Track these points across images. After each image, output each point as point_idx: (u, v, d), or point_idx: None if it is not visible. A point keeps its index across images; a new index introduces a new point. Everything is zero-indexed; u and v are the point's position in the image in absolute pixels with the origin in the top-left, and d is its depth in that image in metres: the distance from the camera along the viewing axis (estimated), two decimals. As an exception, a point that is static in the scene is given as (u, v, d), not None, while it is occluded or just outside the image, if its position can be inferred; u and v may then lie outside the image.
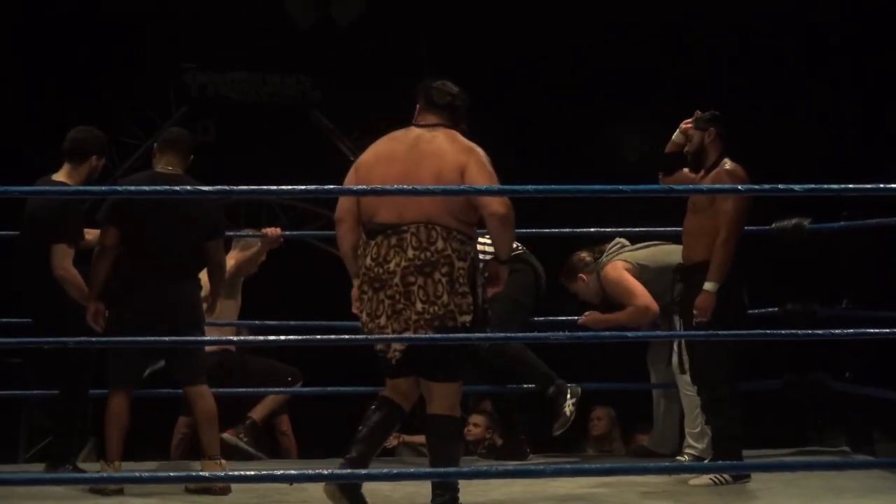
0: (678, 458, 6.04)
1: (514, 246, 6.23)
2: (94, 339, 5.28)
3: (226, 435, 6.47)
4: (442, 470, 4.64)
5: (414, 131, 4.82)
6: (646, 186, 4.98)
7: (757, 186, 4.51)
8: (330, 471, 4.74)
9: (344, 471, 4.68)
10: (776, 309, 6.42)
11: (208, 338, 6.46)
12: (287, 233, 6.97)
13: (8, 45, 10.05)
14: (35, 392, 6.23)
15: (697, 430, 5.93)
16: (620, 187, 4.59)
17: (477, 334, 4.70)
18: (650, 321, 6.14)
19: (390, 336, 4.68)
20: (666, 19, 10.35)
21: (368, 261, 4.70)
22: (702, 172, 5.64)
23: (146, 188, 5.13)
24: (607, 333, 5.82)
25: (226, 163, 10.14)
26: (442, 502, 4.64)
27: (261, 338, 6.61)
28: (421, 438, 7.03)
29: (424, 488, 4.80)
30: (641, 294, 6.12)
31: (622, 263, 6.23)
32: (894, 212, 5.81)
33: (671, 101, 6.47)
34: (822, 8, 9.85)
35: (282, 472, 4.42)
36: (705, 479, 5.46)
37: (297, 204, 10.78)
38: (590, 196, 5.96)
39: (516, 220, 4.82)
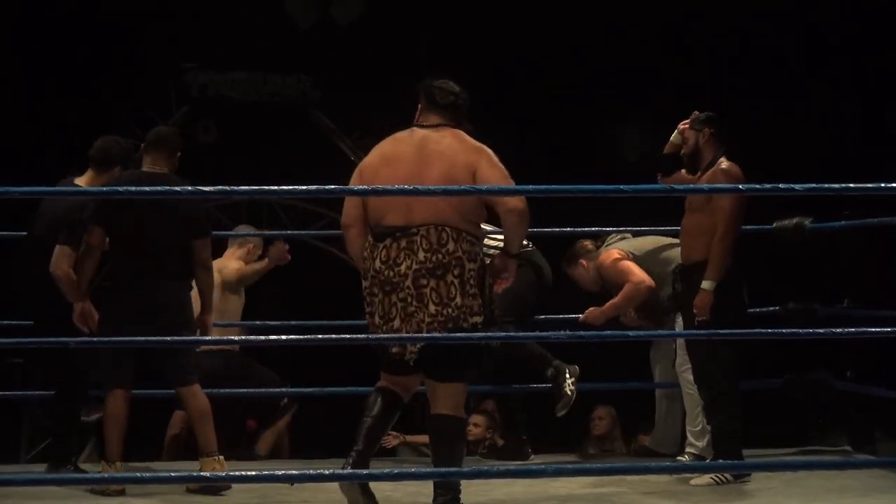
0: (679, 457, 6.04)
1: (524, 243, 6.26)
2: (95, 339, 5.28)
3: None
4: (443, 470, 4.63)
5: (419, 132, 4.80)
6: (646, 186, 4.98)
7: (758, 186, 4.51)
8: (331, 471, 4.73)
9: (345, 471, 4.68)
10: (777, 308, 6.42)
11: (208, 338, 6.48)
12: (288, 232, 6.96)
13: (8, 45, 10.05)
14: (36, 392, 6.22)
15: (698, 428, 5.94)
16: (621, 187, 4.60)
17: (480, 334, 4.69)
18: (646, 297, 6.17)
19: (390, 336, 4.67)
20: (666, 19, 10.36)
21: (378, 263, 4.69)
22: (699, 173, 5.65)
23: (146, 189, 5.12)
24: (609, 333, 5.82)
25: (226, 162, 10.16)
26: (444, 502, 4.63)
27: (261, 338, 6.60)
28: (422, 438, 7.04)
29: (426, 488, 4.79)
30: (636, 272, 6.16)
31: (616, 252, 6.27)
32: (895, 211, 5.81)
33: (671, 101, 6.47)
34: (822, 8, 9.86)
35: (283, 472, 4.42)
36: (706, 478, 5.46)
37: (298, 204, 10.79)
38: (590, 196, 5.96)
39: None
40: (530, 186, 4.58)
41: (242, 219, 10.67)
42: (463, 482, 4.70)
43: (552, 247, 6.48)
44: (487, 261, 4.83)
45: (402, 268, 4.64)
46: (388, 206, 4.69)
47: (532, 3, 10.52)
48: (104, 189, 5.26)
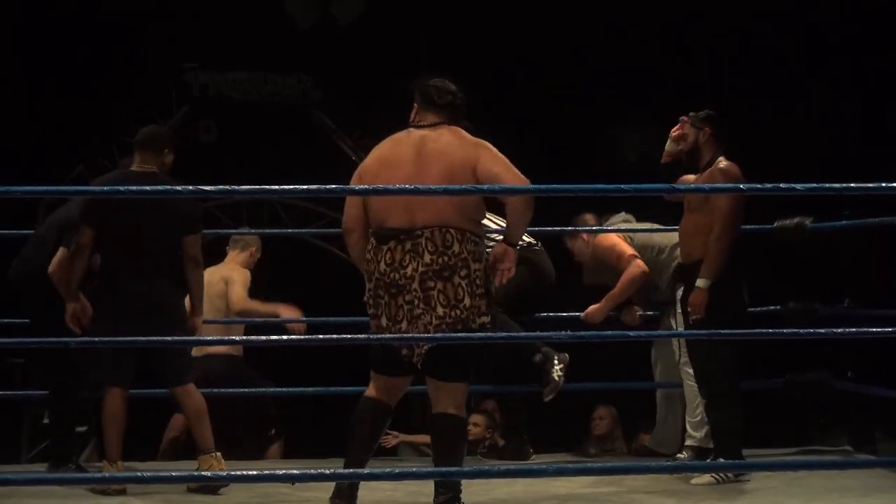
0: (679, 454, 6.05)
1: (532, 242, 6.26)
2: (96, 339, 5.28)
3: None
4: (444, 469, 4.63)
5: (416, 133, 4.78)
6: (646, 186, 4.98)
7: (759, 185, 4.51)
8: (331, 470, 4.73)
9: (346, 470, 4.68)
10: (778, 308, 6.43)
11: (209, 338, 6.48)
12: (288, 231, 6.96)
13: (8, 45, 10.05)
14: (36, 392, 6.23)
15: (697, 419, 5.95)
16: (621, 186, 4.60)
17: (481, 334, 4.69)
18: (642, 283, 6.19)
19: (390, 336, 4.67)
20: (666, 19, 10.36)
21: (383, 266, 4.68)
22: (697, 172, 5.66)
23: (147, 188, 5.11)
24: (609, 333, 5.82)
25: (227, 162, 10.16)
26: (444, 501, 4.63)
27: (262, 337, 6.60)
28: (422, 438, 7.04)
29: (427, 487, 4.79)
30: (630, 256, 6.18)
31: (616, 234, 6.29)
32: (895, 211, 5.81)
33: (671, 101, 6.46)
34: (822, 8, 9.86)
35: (284, 471, 4.42)
36: (707, 477, 5.47)
37: (299, 203, 10.79)
38: (590, 196, 5.96)
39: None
40: (531, 185, 4.59)
41: (243, 218, 10.70)
42: (464, 482, 4.71)
43: (552, 247, 6.48)
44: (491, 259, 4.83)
45: (409, 270, 4.64)
46: (390, 208, 4.69)
47: (532, 3, 10.52)
48: (105, 189, 5.25)
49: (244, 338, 6.60)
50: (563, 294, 6.46)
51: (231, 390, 6.61)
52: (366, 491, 4.85)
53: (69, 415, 5.76)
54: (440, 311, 4.62)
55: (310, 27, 10.86)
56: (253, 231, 7.22)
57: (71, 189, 5.46)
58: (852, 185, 4.38)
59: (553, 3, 10.47)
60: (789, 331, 5.81)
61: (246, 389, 6.79)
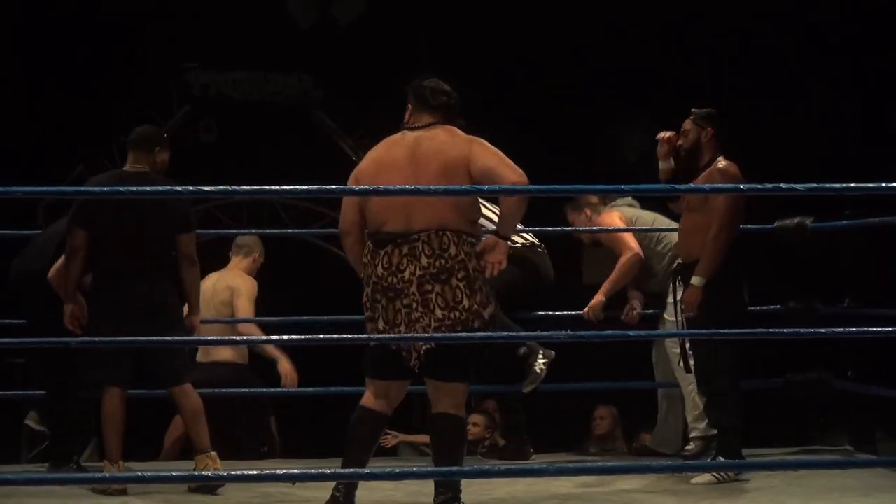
0: (687, 447, 6.06)
1: (535, 242, 6.26)
2: (96, 339, 5.28)
3: None
4: (444, 469, 4.64)
5: (411, 135, 4.78)
6: (646, 186, 4.99)
7: (759, 185, 4.51)
8: (332, 470, 4.74)
9: (346, 470, 4.68)
10: (778, 307, 6.43)
11: (209, 338, 6.48)
12: (289, 231, 6.97)
13: (8, 45, 10.04)
14: (36, 392, 6.22)
15: (697, 412, 5.96)
16: (621, 187, 4.61)
17: (480, 334, 4.69)
18: (638, 269, 6.22)
19: (391, 336, 4.67)
20: (666, 19, 10.35)
21: (380, 270, 4.68)
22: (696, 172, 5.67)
23: (147, 188, 5.11)
24: (609, 333, 5.82)
25: (228, 162, 10.16)
26: (444, 501, 4.64)
27: (263, 337, 6.61)
28: (422, 437, 7.05)
29: (427, 487, 4.80)
30: (630, 243, 6.20)
31: (618, 213, 6.28)
32: (895, 211, 5.82)
33: (671, 101, 6.47)
34: (822, 8, 9.85)
35: (284, 471, 4.42)
36: (707, 476, 5.47)
37: (300, 203, 10.79)
38: (591, 195, 5.96)
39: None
40: (531, 186, 4.59)
41: (243, 218, 10.70)
42: (464, 481, 4.71)
43: (552, 247, 6.48)
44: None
45: (406, 274, 4.64)
46: (387, 212, 4.69)
47: (532, 3, 10.51)
48: (105, 189, 5.26)
49: (244, 338, 6.60)
50: (563, 294, 6.47)
51: (231, 390, 6.63)
52: (366, 491, 4.85)
53: (67, 415, 5.76)
54: (439, 313, 4.62)
55: (310, 27, 10.85)
56: (253, 231, 7.21)
57: (71, 189, 5.46)
58: (853, 185, 4.39)
59: (553, 3, 10.47)
60: (790, 330, 5.82)
61: (246, 392, 6.81)
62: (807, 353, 6.44)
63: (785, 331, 5.68)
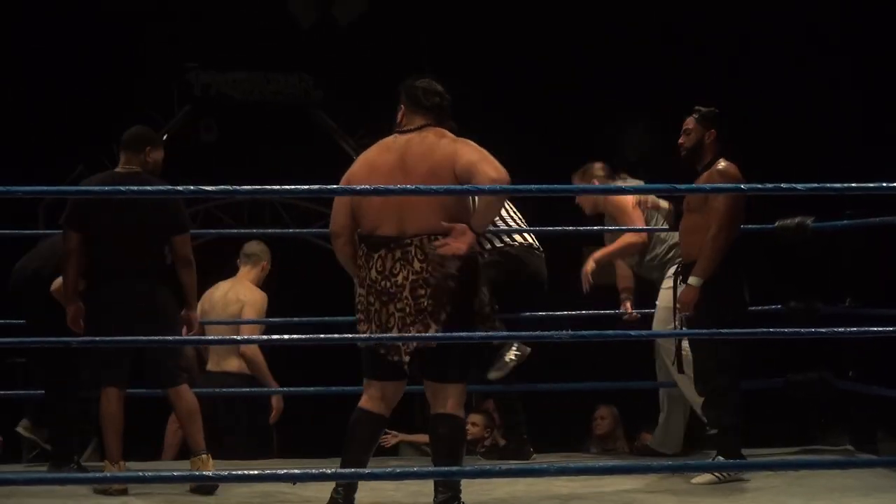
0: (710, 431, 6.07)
1: (532, 243, 6.25)
2: (97, 339, 5.28)
3: None
4: (445, 469, 4.63)
5: (402, 138, 4.77)
6: (646, 186, 4.99)
7: (760, 185, 4.51)
8: (332, 470, 4.74)
9: (346, 470, 4.68)
10: (779, 307, 6.43)
11: (210, 338, 6.48)
12: (290, 231, 6.97)
13: (8, 45, 10.04)
14: (37, 392, 6.23)
15: (701, 401, 5.95)
16: (622, 187, 4.60)
17: (479, 333, 4.70)
18: (637, 251, 6.26)
19: (391, 336, 4.67)
20: (666, 19, 10.35)
21: (374, 273, 4.68)
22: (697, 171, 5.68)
23: (148, 188, 5.12)
24: (610, 332, 5.82)
25: (228, 162, 10.15)
26: (444, 500, 4.64)
27: (263, 337, 6.61)
28: (422, 437, 7.05)
29: (427, 487, 4.80)
30: (636, 220, 6.20)
31: (632, 197, 6.29)
32: (896, 210, 5.83)
33: (671, 101, 6.47)
34: (822, 8, 9.85)
35: (285, 471, 4.42)
36: (708, 476, 5.47)
37: (300, 203, 10.79)
38: (591, 195, 5.96)
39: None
40: (531, 186, 4.58)
41: (244, 218, 10.70)
42: (464, 481, 4.71)
43: (552, 247, 6.48)
44: (481, 259, 4.83)
45: (399, 278, 4.64)
46: (379, 216, 4.69)
47: (532, 3, 10.52)
48: (105, 189, 5.25)
49: (244, 337, 6.59)
50: (563, 294, 6.47)
51: (232, 389, 6.63)
52: (366, 491, 4.85)
53: (67, 415, 5.76)
54: (432, 318, 4.61)
55: (311, 27, 10.85)
56: (254, 231, 7.21)
57: (71, 189, 5.46)
58: (853, 184, 4.39)
59: (553, 3, 10.47)
60: (790, 330, 5.82)
61: (247, 392, 6.82)
62: (808, 353, 6.44)
63: (786, 330, 5.68)
